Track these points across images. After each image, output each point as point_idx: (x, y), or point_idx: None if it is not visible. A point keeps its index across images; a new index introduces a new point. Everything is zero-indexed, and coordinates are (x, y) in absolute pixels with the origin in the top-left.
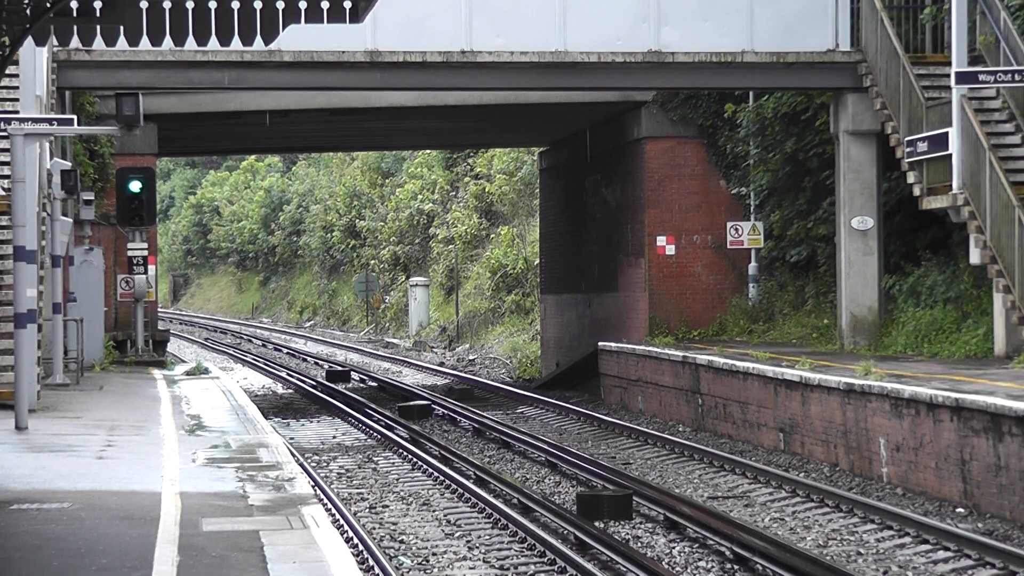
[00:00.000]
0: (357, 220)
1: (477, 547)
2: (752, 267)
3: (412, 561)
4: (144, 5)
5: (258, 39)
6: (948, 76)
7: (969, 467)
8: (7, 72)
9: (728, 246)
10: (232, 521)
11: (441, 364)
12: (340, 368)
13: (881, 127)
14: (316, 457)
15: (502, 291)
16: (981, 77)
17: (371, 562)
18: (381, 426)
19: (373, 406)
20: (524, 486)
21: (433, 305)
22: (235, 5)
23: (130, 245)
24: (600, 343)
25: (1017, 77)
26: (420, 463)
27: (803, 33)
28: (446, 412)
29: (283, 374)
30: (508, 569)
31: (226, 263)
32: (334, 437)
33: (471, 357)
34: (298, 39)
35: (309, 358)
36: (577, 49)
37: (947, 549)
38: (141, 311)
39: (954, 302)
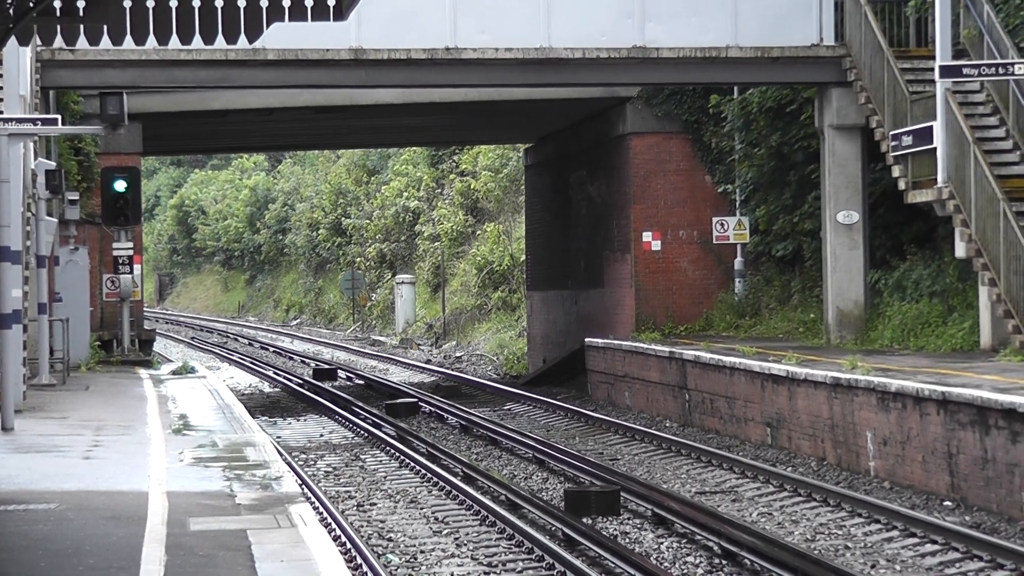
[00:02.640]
0: (343, 218)
1: (465, 544)
2: (738, 262)
3: (400, 559)
4: (128, 4)
5: (242, 37)
6: (932, 70)
7: (956, 460)
8: None
9: (714, 241)
10: (219, 520)
11: (428, 361)
12: (327, 366)
13: (866, 121)
14: (303, 456)
15: (488, 288)
16: (965, 71)
17: (359, 560)
18: (368, 424)
19: (360, 404)
20: (512, 483)
21: (419, 302)
22: (219, 3)
23: (115, 244)
24: (587, 339)
25: (1001, 70)
26: (407, 461)
27: (787, 28)
28: (433, 409)
29: (270, 373)
30: (496, 566)
31: (212, 262)
32: (321, 435)
33: (458, 354)
34: (282, 37)
35: (295, 356)
36: (562, 45)
37: (934, 542)
38: (127, 310)
39: (940, 296)
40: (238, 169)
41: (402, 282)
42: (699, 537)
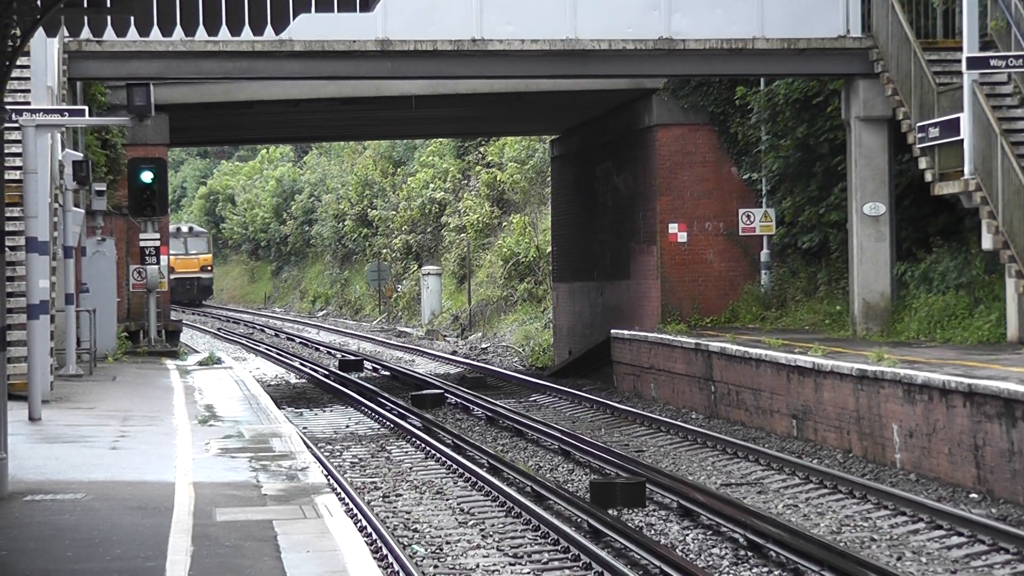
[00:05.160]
0: (369, 209)
1: (491, 535)
2: (764, 254)
3: (426, 550)
4: None
5: (269, 28)
6: (959, 61)
7: (982, 452)
8: (18, 63)
9: (740, 233)
10: (245, 511)
11: (454, 353)
12: (353, 357)
13: (892, 113)
14: (329, 446)
15: (514, 279)
16: (993, 62)
17: (385, 551)
18: (394, 415)
19: (386, 395)
20: (537, 474)
21: (445, 294)
22: None
23: (142, 236)
24: (612, 331)
25: None
26: (433, 452)
27: (814, 19)
28: (459, 401)
29: (296, 364)
30: (522, 557)
31: (238, 253)
32: (347, 426)
33: (484, 345)
34: (309, 28)
35: (322, 347)
36: (588, 37)
37: (961, 534)
38: (154, 301)
39: (966, 288)
40: (264, 160)
41: (428, 273)
42: (725, 529)
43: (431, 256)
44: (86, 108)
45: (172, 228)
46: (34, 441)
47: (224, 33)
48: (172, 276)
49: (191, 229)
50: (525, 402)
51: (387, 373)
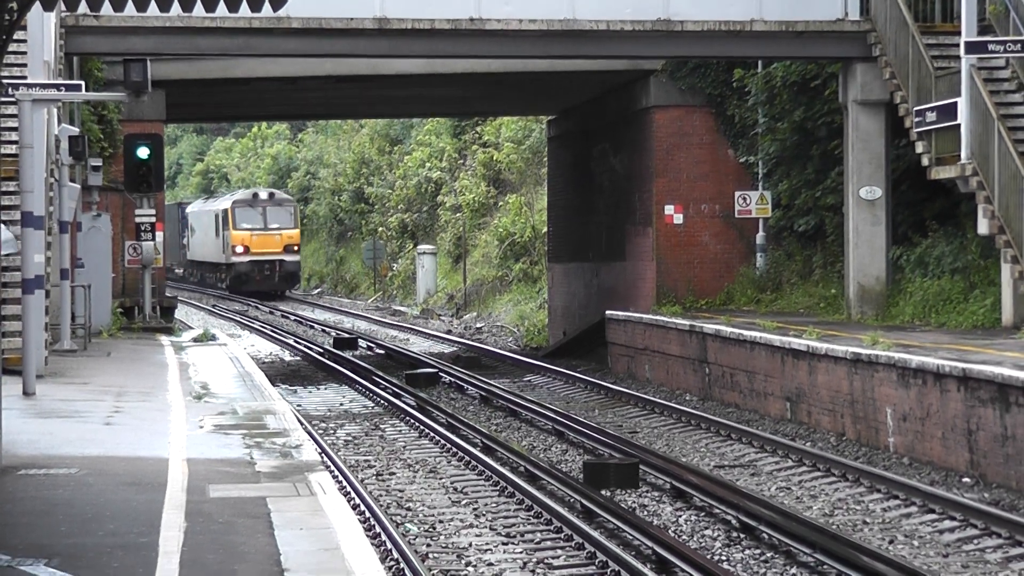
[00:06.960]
0: (365, 186)
1: (484, 514)
2: (760, 236)
3: (419, 528)
4: None
5: (266, 5)
6: (957, 46)
7: (976, 437)
8: (15, 37)
9: (736, 215)
10: (239, 488)
11: (448, 332)
12: (347, 335)
13: (890, 97)
14: (323, 424)
15: (510, 259)
16: (991, 47)
17: (377, 529)
18: (388, 394)
19: (380, 374)
20: (531, 454)
21: (441, 273)
22: None
23: (138, 211)
24: (607, 312)
25: None
26: (427, 431)
27: (812, 2)
28: (453, 380)
29: (290, 341)
30: (514, 536)
31: None
32: (341, 404)
33: (478, 325)
34: (306, 6)
35: (316, 325)
36: (586, 17)
37: (953, 519)
38: (149, 277)
39: (961, 272)
40: (258, 137)
41: (424, 252)
42: (717, 511)
43: (427, 235)
44: (83, 83)
45: (247, 194)
46: (28, 416)
47: (221, 9)
48: (246, 258)
49: (272, 195)
50: (519, 382)
51: (382, 352)
